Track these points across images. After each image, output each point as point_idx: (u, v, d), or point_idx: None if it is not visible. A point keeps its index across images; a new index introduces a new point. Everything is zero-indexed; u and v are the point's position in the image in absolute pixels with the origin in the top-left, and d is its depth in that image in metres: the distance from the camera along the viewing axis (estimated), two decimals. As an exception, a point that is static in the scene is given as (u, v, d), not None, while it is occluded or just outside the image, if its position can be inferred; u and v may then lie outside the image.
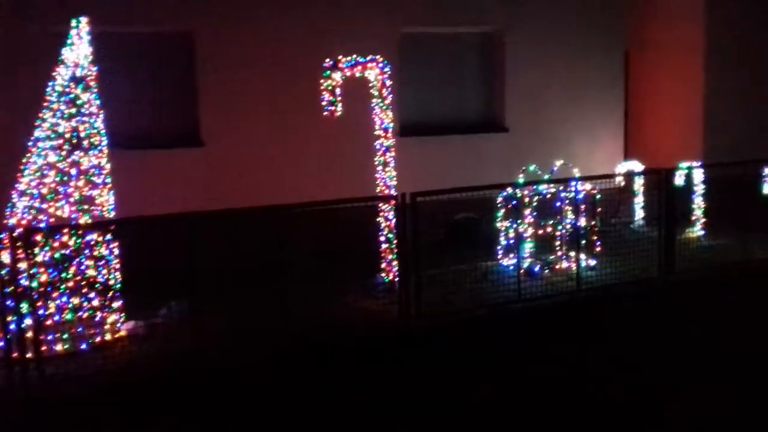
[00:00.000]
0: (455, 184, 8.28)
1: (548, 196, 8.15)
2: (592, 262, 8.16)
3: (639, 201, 9.72)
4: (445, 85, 10.33)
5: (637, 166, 9.77)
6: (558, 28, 10.38)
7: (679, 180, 8.97)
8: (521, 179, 8.45)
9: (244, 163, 8.91)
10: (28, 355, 5.52)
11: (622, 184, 9.81)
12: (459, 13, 9.90)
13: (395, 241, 6.81)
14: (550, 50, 10.38)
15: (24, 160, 6.15)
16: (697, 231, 9.28)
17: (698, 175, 9.19)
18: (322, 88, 7.05)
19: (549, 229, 8.29)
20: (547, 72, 10.40)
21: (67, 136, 6.21)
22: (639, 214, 9.72)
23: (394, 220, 6.92)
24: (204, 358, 5.81)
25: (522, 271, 8.02)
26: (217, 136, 8.88)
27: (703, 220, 9.24)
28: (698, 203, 9.26)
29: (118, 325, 6.40)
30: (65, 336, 5.98)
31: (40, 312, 5.84)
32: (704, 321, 6.65)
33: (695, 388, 5.34)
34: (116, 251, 6.43)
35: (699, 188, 9.20)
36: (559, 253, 8.30)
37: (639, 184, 9.72)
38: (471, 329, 6.36)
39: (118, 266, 6.43)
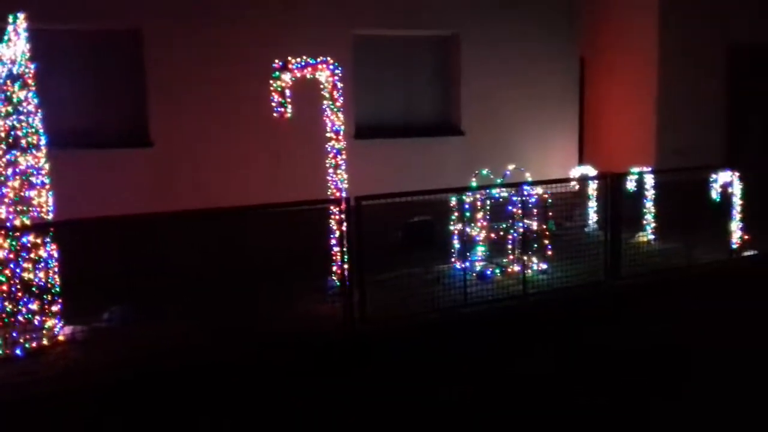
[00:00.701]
0: (412, 187, 8.24)
1: (500, 200, 8.17)
2: (544, 266, 8.21)
3: (593, 205, 9.85)
4: (400, 87, 10.29)
5: (590, 170, 9.88)
6: (513, 32, 10.43)
7: (630, 185, 9.14)
8: (474, 183, 8.48)
9: (193, 163, 8.73)
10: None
11: (577, 188, 9.94)
12: (413, 17, 9.88)
13: (342, 245, 6.72)
14: (506, 54, 10.43)
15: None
16: (647, 235, 9.42)
17: (649, 180, 9.34)
18: (271, 89, 6.95)
19: (501, 233, 8.31)
20: (502, 75, 10.44)
21: (3, 135, 6.00)
22: (593, 217, 9.84)
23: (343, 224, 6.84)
24: (140, 365, 5.65)
25: (474, 274, 8.06)
26: (166, 136, 8.69)
27: (654, 224, 9.39)
28: (649, 207, 9.40)
29: (57, 329, 6.20)
30: (-1, 342, 5.76)
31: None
32: (643, 324, 6.73)
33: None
34: (55, 254, 6.23)
35: (649, 193, 9.34)
36: (511, 257, 8.32)
37: (593, 188, 9.86)
38: (413, 334, 6.32)
39: (56, 270, 6.23)
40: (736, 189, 8.49)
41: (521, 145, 10.52)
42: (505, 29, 10.38)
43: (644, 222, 9.45)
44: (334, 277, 7.25)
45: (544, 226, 8.32)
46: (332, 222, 7.16)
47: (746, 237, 8.59)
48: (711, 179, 8.47)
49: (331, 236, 7.19)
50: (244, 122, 8.79)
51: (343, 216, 6.58)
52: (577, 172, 10.19)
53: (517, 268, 8.17)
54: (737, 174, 8.52)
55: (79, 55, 8.50)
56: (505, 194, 8.10)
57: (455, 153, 10.20)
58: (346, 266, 6.57)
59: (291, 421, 5.18)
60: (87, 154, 8.26)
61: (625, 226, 9.32)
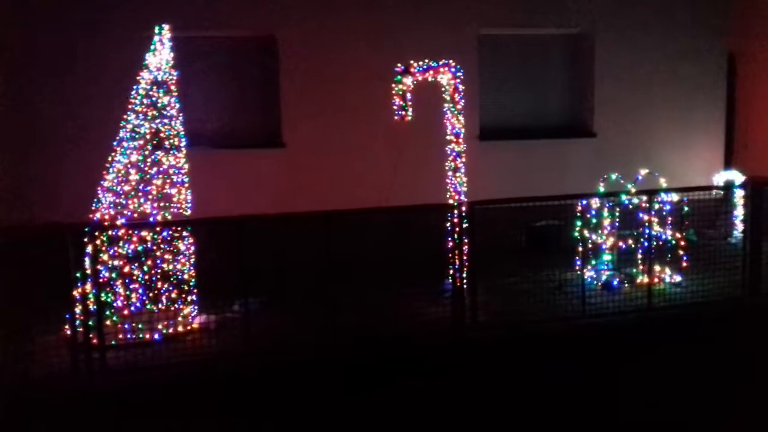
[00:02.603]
0: (538, 190, 8.06)
1: (630, 206, 7.75)
2: (678, 278, 7.69)
3: (739, 213, 9.07)
4: (528, 87, 10.07)
5: (737, 176, 9.12)
6: (652, 28, 9.87)
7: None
8: (601, 188, 8.11)
9: (321, 164, 9.08)
10: (94, 342, 5.82)
11: (722, 195, 9.21)
12: (543, 15, 9.62)
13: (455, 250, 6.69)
14: (643, 52, 9.88)
15: (109, 159, 6.55)
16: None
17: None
18: (393, 92, 7.06)
19: (631, 241, 7.88)
20: (638, 75, 9.91)
21: (149, 137, 6.56)
22: (739, 227, 9.05)
23: (471, 228, 6.79)
24: (262, 355, 5.96)
25: (600, 284, 7.71)
26: (297, 137, 9.10)
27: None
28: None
29: (191, 318, 6.69)
30: (140, 326, 6.31)
31: (117, 302, 6.24)
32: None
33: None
34: (192, 248, 6.73)
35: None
36: (641, 267, 7.87)
37: (740, 195, 9.07)
38: (522, 344, 6.13)
39: (193, 262, 6.72)
40: None
41: (658, 148, 9.93)
42: (643, 25, 9.85)
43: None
44: (449, 280, 7.24)
45: (679, 235, 7.78)
46: (449, 225, 7.16)
47: None
48: None
49: (449, 239, 7.18)
50: (369, 125, 9.00)
51: (461, 219, 6.53)
52: (721, 177, 9.45)
53: (646, 279, 7.71)
54: None
55: (217, 61, 9.12)
56: (636, 200, 7.66)
57: (585, 155, 9.82)
58: (459, 271, 6.53)
59: (388, 421, 5.22)
60: (223, 155, 8.83)
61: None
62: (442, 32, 9.16)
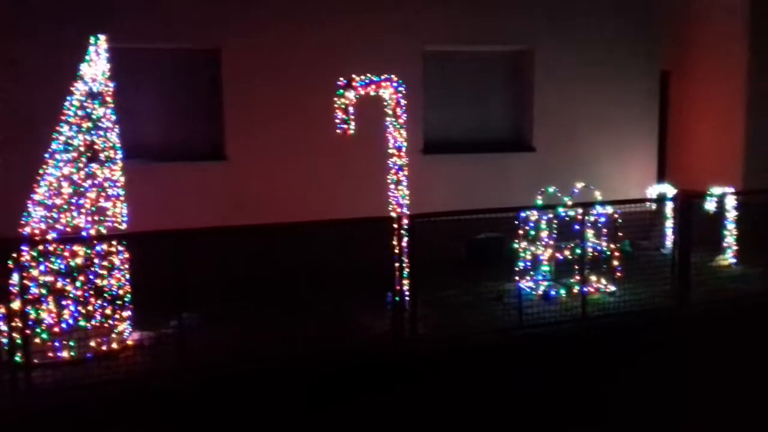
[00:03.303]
0: (481, 203, 8.21)
1: (567, 218, 7.95)
2: (612, 288, 7.92)
3: (671, 225, 9.40)
4: (471, 103, 10.24)
5: (669, 189, 9.45)
6: (590, 47, 10.18)
7: (710, 205, 8.68)
8: (539, 201, 8.30)
9: (264, 177, 9.01)
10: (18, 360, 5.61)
11: (654, 207, 9.54)
12: (486, 32, 9.82)
13: (396, 264, 6.73)
14: (583, 69, 10.18)
15: (40, 172, 6.35)
16: (728, 258, 8.91)
17: (731, 200, 8.84)
18: (335, 106, 7.08)
19: (567, 253, 8.08)
20: (577, 91, 10.20)
21: (83, 149, 6.40)
22: (671, 239, 9.38)
23: (411, 240, 6.84)
24: (196, 372, 5.85)
25: (539, 294, 7.88)
26: (240, 151, 9.02)
27: (735, 247, 8.87)
28: (731, 229, 8.89)
29: (126, 334, 6.52)
30: (71, 343, 6.12)
31: (47, 319, 6.04)
32: (700, 358, 6.31)
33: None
34: (127, 263, 6.57)
35: (731, 214, 8.84)
36: (578, 278, 8.06)
37: (670, 207, 9.42)
38: (459, 356, 6.19)
39: (128, 277, 6.57)
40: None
41: (596, 162, 10.22)
42: (579, 43, 10.15)
43: (725, 245, 8.95)
44: (392, 294, 7.27)
45: (613, 246, 8.03)
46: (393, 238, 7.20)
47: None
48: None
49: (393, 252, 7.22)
50: (312, 139, 8.99)
51: (400, 233, 6.57)
52: (654, 190, 9.78)
53: (583, 289, 7.91)
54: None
55: (157, 73, 8.97)
56: (572, 213, 7.87)
57: (526, 169, 10.03)
58: (401, 283, 6.57)
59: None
60: (163, 168, 8.67)
61: (707, 248, 8.91)
62: (388, 48, 9.25)
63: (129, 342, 6.51)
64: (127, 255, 6.56)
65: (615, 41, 10.25)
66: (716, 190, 8.81)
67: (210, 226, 7.17)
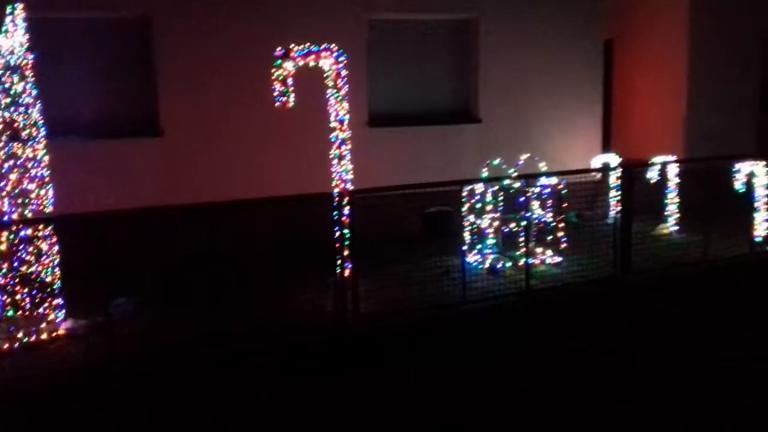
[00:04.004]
0: (429, 176, 8.07)
1: (512, 191, 7.91)
2: (558, 259, 7.95)
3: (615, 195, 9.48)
4: (417, 74, 10.04)
5: (613, 159, 9.51)
6: (535, 16, 10.07)
7: (652, 174, 8.78)
8: (485, 173, 8.24)
9: (203, 152, 8.67)
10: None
11: (599, 177, 9.58)
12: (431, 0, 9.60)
13: (339, 240, 6.56)
14: (527, 39, 10.08)
15: (-45, 153, 5.93)
16: (669, 226, 9.05)
17: (672, 169, 8.95)
18: (273, 77, 6.80)
19: (513, 225, 8.05)
20: (523, 61, 10.11)
21: (1, 127, 5.98)
22: (615, 208, 9.47)
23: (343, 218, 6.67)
24: (132, 361, 5.61)
25: (486, 267, 7.85)
26: (177, 124, 8.63)
27: (676, 215, 9.01)
28: (672, 198, 9.02)
29: (57, 324, 6.21)
30: (-4, 335, 5.79)
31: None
32: (644, 325, 6.39)
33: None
34: (56, 248, 6.23)
35: (672, 183, 8.96)
36: (524, 250, 8.06)
37: (614, 178, 9.48)
38: (405, 332, 6.12)
39: (57, 263, 6.23)
40: (761, 179, 8.04)
41: (542, 132, 10.20)
42: (527, 13, 10.04)
43: (666, 213, 9.08)
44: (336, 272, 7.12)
45: (558, 218, 8.04)
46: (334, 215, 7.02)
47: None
48: (734, 170, 8.03)
49: (335, 230, 7.05)
50: (251, 112, 8.66)
51: (342, 210, 6.40)
52: (599, 160, 9.83)
53: (529, 261, 7.92)
54: (762, 164, 8.06)
55: (82, 44, 8.44)
56: (517, 185, 7.82)
57: (472, 141, 9.94)
58: (343, 261, 6.42)
59: (268, 420, 5.08)
60: (93, 145, 8.23)
61: (650, 217, 9.04)
62: (330, 16, 8.94)
63: (60, 331, 6.20)
64: (54, 240, 6.22)
65: (559, 10, 10.17)
66: (658, 160, 8.89)
67: (143, 207, 6.85)
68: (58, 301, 6.25)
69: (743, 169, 8.07)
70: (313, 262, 6.62)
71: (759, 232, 8.15)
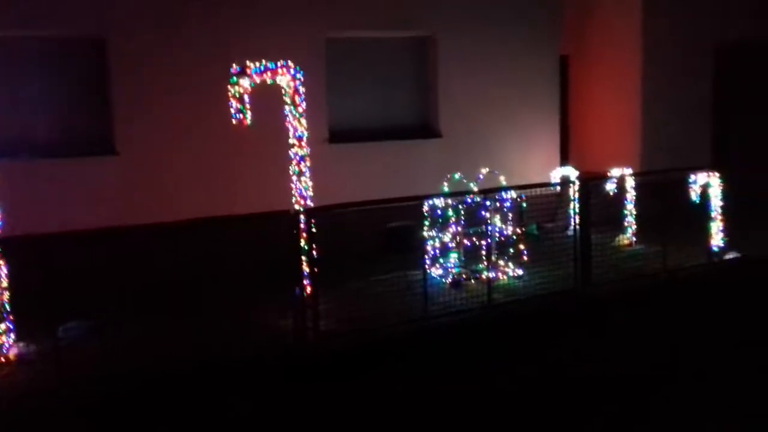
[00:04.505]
0: (391, 191, 8.05)
1: (473, 205, 7.92)
2: (519, 272, 7.97)
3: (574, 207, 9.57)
4: (377, 90, 10.05)
5: (572, 172, 9.63)
6: (492, 32, 10.18)
7: (610, 187, 8.90)
8: (446, 188, 8.25)
9: (159, 172, 8.51)
10: None
11: (559, 189, 9.68)
12: (389, 18, 9.63)
13: (300, 258, 6.47)
14: (485, 55, 10.18)
15: None
16: (629, 237, 9.17)
17: (630, 181, 9.09)
18: (229, 95, 6.71)
19: (476, 239, 8.06)
20: (481, 76, 10.20)
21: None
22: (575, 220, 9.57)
23: (309, 234, 6.58)
24: (82, 386, 5.41)
25: (448, 281, 7.83)
26: (132, 144, 8.46)
27: (635, 226, 9.14)
28: (630, 209, 9.16)
29: (5, 348, 5.98)
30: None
31: None
32: (607, 339, 6.41)
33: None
34: (3, 270, 6.02)
35: (630, 194, 9.09)
36: (486, 263, 8.07)
37: (573, 190, 9.59)
38: (363, 351, 6.03)
39: (4, 286, 6.01)
40: (716, 191, 8.21)
41: (501, 146, 10.28)
42: (484, 30, 10.14)
43: (626, 224, 9.21)
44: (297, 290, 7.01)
45: (519, 231, 8.07)
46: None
47: (727, 240, 8.31)
48: (690, 181, 8.19)
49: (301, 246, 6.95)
50: (209, 129, 8.53)
51: (300, 227, 6.31)
52: (558, 173, 9.95)
53: (491, 275, 7.93)
54: (717, 175, 8.24)
55: (35, 63, 8.24)
56: (478, 199, 7.84)
57: (434, 156, 9.97)
58: (302, 279, 6.33)
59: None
60: (45, 164, 8.01)
61: (609, 228, 9.15)
62: (288, 34, 8.90)
63: (10, 356, 5.96)
64: (1, 262, 6.00)
65: (515, 27, 10.30)
66: (615, 172, 9.03)
67: (95, 228, 6.66)
68: (6, 325, 6.02)
69: (699, 180, 8.22)
70: (272, 280, 6.48)
71: (716, 242, 8.30)
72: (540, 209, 8.31)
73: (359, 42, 9.79)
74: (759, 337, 6.30)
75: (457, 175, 8.37)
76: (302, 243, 6.37)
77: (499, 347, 6.27)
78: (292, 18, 9.04)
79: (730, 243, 8.34)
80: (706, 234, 8.31)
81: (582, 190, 7.52)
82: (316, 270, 6.44)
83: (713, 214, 8.25)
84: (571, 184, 7.73)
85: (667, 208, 8.13)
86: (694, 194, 8.22)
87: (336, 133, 9.60)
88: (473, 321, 6.61)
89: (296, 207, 6.97)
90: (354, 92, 9.91)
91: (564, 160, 11.31)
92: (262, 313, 6.64)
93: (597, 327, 6.79)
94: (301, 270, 6.31)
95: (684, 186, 8.37)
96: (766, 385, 5.41)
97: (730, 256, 8.29)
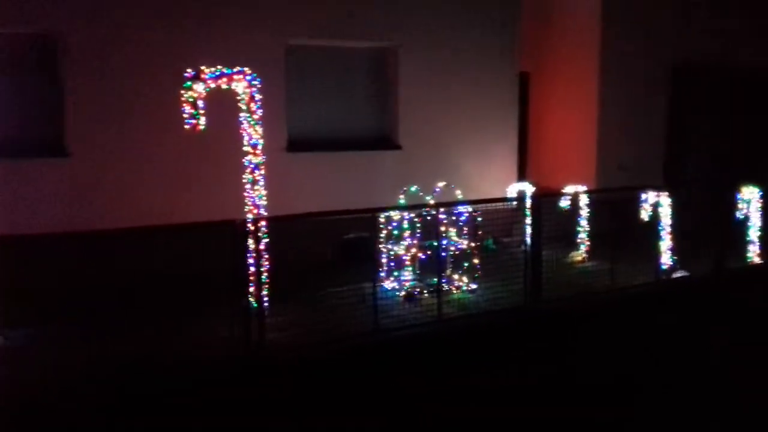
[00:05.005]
0: (348, 201, 8.02)
1: (428, 218, 7.93)
2: (473, 286, 7.99)
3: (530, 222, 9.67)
4: (337, 99, 10.02)
5: (528, 187, 9.71)
6: (453, 48, 10.26)
7: (564, 203, 9.01)
8: (402, 200, 8.25)
9: (112, 175, 8.32)
10: None
11: (514, 205, 9.76)
12: (350, 27, 9.62)
13: (247, 269, 6.38)
14: (445, 68, 10.25)
15: None
16: (582, 254, 9.29)
17: (584, 198, 9.22)
18: (182, 99, 6.61)
19: (430, 252, 8.06)
20: (441, 89, 10.26)
21: None
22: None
23: (256, 245, 6.49)
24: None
25: (402, 295, 7.81)
26: (85, 145, 8.26)
27: (588, 243, 9.27)
28: (584, 226, 9.28)
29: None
30: None
31: None
32: (550, 355, 6.46)
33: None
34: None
35: (584, 211, 9.22)
36: (440, 277, 8.07)
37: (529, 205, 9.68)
38: (307, 366, 5.94)
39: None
40: (666, 209, 8.37)
41: (459, 160, 10.33)
42: (445, 42, 10.21)
43: (579, 241, 9.33)
44: (249, 300, 6.91)
45: (474, 245, 8.11)
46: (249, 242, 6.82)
47: (675, 258, 8.48)
48: (641, 199, 8.34)
49: (248, 256, 6.85)
50: (163, 133, 8.36)
51: (248, 237, 6.22)
52: (515, 189, 10.03)
53: (444, 288, 7.94)
54: (666, 194, 8.41)
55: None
56: (433, 212, 7.86)
57: (392, 168, 9.97)
58: (245, 291, 6.24)
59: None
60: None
61: (563, 244, 9.27)
62: (247, 39, 8.81)
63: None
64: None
65: (476, 43, 10.39)
66: (570, 189, 9.15)
67: (35, 233, 6.46)
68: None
69: (649, 199, 8.38)
70: (219, 292, 6.33)
71: (664, 260, 8.45)
72: (497, 224, 8.36)
73: (321, 50, 9.76)
74: (699, 354, 6.42)
75: (413, 188, 8.38)
76: (249, 253, 6.28)
77: (445, 364, 6.25)
78: (252, 24, 8.97)
79: (679, 261, 8.50)
80: (655, 252, 8.45)
81: (534, 205, 7.58)
82: (263, 280, 6.35)
83: (662, 233, 8.40)
84: (524, 200, 7.76)
85: (620, 225, 8.27)
86: (645, 213, 8.36)
87: (295, 142, 9.54)
88: (422, 336, 6.58)
89: (249, 216, 6.88)
90: (314, 101, 9.86)
91: (522, 176, 11.43)
92: (206, 324, 6.49)
93: (544, 343, 6.84)
94: (246, 281, 6.20)
95: (635, 204, 8.52)
96: (709, 402, 5.50)
97: (677, 274, 8.46)
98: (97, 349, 5.72)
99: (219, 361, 5.89)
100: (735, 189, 8.94)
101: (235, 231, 6.03)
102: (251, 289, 6.50)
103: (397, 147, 10.14)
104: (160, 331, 6.01)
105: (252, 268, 6.58)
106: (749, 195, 8.93)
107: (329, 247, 9.22)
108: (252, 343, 5.99)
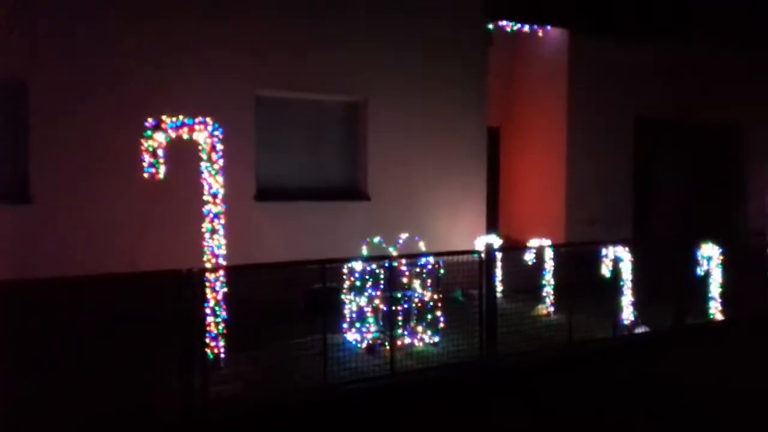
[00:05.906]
0: (316, 251, 7.99)
1: (392, 270, 7.90)
2: (436, 339, 7.93)
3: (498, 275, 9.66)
4: (306, 150, 10.11)
5: (495, 240, 9.75)
6: (422, 102, 10.44)
7: (528, 257, 9.04)
8: (365, 251, 8.24)
9: (69, 224, 8.28)
10: None
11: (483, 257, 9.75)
12: (319, 81, 9.79)
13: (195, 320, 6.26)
14: (414, 121, 10.40)
15: None
16: (547, 307, 9.27)
17: (549, 252, 9.25)
18: (142, 148, 6.63)
19: (393, 304, 8.00)
20: (410, 142, 10.39)
21: None
22: (498, 287, 9.64)
23: (209, 294, 6.43)
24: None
25: (364, 346, 7.72)
26: (47, 192, 8.24)
27: (553, 297, 9.26)
28: (548, 280, 9.29)
29: None
30: None
31: None
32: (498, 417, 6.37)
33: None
34: None
35: (549, 265, 9.24)
36: (402, 329, 8.01)
37: (498, 258, 9.69)
38: (253, 424, 5.78)
39: None
40: (627, 264, 8.42)
41: (428, 212, 10.40)
42: (414, 98, 10.39)
43: (544, 294, 9.32)
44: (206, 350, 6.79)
45: (437, 297, 8.07)
46: (207, 291, 6.76)
47: (636, 314, 8.48)
48: (602, 254, 8.38)
49: (204, 305, 6.76)
50: (124, 181, 8.33)
51: (195, 287, 6.13)
52: (482, 241, 10.05)
53: (407, 340, 7.87)
54: (627, 249, 8.46)
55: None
56: (395, 264, 7.84)
57: (361, 218, 10.00)
58: (189, 344, 6.11)
59: None
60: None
61: (529, 297, 9.27)
62: (215, 89, 8.92)
63: None
64: None
65: (445, 98, 10.58)
66: (534, 242, 9.19)
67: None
68: None
69: (610, 253, 8.42)
70: (164, 344, 6.18)
71: (626, 315, 8.44)
72: (465, 275, 8.33)
73: (290, 102, 9.89)
74: (656, 413, 6.35)
75: (376, 239, 8.38)
76: (203, 302, 6.20)
77: (397, 417, 6.13)
78: (221, 74, 9.09)
79: (640, 317, 8.50)
80: (618, 307, 8.45)
81: (487, 258, 7.58)
82: (218, 331, 6.25)
83: (624, 288, 8.42)
84: (476, 254, 7.74)
85: (584, 279, 8.27)
86: (606, 268, 8.39)
87: (264, 191, 9.57)
88: (375, 390, 6.46)
89: (207, 264, 6.84)
90: (284, 151, 9.95)
91: (493, 229, 11.49)
92: (147, 379, 6.31)
93: (498, 397, 6.75)
94: (197, 331, 6.10)
95: (599, 259, 8.55)
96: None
97: (638, 330, 8.44)
98: (36, 405, 5.55)
99: (157, 417, 5.71)
100: (695, 246, 9.03)
101: (181, 281, 5.94)
102: (207, 340, 6.43)
103: (366, 198, 10.19)
104: (102, 386, 5.85)
105: (209, 318, 6.54)
106: (709, 252, 9.02)
107: (296, 297, 9.15)
108: (194, 395, 5.83)
